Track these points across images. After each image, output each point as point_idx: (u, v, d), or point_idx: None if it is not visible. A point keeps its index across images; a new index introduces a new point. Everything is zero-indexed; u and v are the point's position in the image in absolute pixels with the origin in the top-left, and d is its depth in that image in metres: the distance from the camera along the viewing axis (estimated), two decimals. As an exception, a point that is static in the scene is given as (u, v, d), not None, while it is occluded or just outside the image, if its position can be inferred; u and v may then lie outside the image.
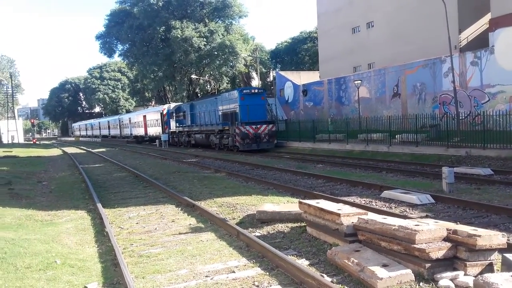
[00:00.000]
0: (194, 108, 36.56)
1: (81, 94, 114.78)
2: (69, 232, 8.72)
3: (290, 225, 8.17)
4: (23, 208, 11.33)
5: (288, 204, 9.46)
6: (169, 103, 55.18)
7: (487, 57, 24.76)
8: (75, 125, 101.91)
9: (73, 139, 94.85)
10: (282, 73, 49.81)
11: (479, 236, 5.11)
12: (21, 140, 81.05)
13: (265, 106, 28.62)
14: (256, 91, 29.29)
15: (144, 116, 51.53)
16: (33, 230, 8.86)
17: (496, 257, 5.36)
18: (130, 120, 58.51)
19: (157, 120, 46.58)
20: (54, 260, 6.72)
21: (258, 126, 27.20)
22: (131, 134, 58.36)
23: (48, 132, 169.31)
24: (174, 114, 40.83)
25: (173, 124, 41.53)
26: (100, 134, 76.90)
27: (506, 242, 5.37)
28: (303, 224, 7.88)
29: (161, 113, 44.68)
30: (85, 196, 13.33)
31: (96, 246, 7.73)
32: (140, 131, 53.74)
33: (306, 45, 71.53)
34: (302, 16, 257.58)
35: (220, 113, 30.43)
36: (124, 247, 7.42)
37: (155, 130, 47.38)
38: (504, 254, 5.18)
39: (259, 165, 19.57)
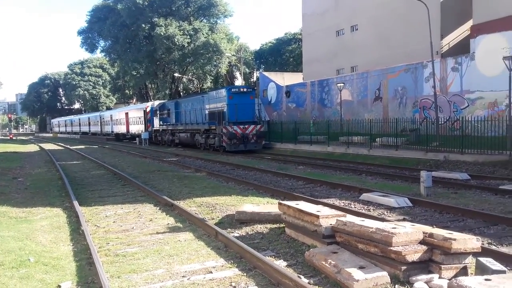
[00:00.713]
0: (179, 106, 35.60)
1: (60, 90, 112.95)
2: (44, 230, 8.56)
3: (269, 226, 8.16)
4: (-3, 204, 11.08)
5: (268, 205, 9.45)
6: (151, 100, 54.65)
7: (468, 63, 25.19)
8: (54, 121, 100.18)
9: (51, 135, 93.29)
10: (266, 73, 49.87)
11: (454, 239, 5.17)
12: (-2, 135, 79.43)
13: (253, 106, 27.85)
14: (245, 90, 28.37)
15: (127, 113, 50.47)
16: (7, 227, 8.67)
17: (470, 261, 5.43)
18: (111, 117, 57.31)
19: (140, 118, 45.59)
20: (27, 258, 6.59)
21: (246, 126, 26.36)
22: (112, 131, 57.17)
23: (26, 128, 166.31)
24: (158, 112, 39.76)
25: (156, 122, 40.48)
26: (80, 130, 75.43)
27: (481, 246, 5.45)
28: (282, 225, 7.87)
29: (144, 111, 43.60)
30: (62, 193, 13.10)
31: (71, 244, 7.60)
32: (121, 129, 52.68)
33: (290, 46, 71.85)
34: (287, 17, 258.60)
35: (206, 112, 29.61)
36: (100, 245, 7.30)
37: (137, 128, 46.47)
38: (478, 258, 5.25)
39: (240, 165, 19.53)
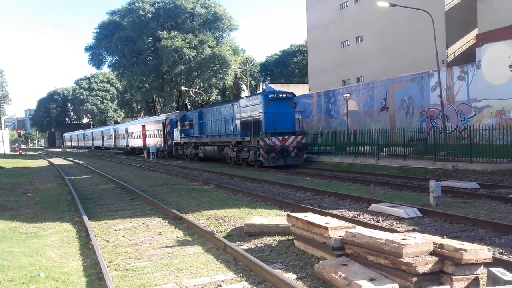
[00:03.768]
0: (204, 116, 32.35)
1: (69, 105, 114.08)
2: (53, 245, 8.59)
3: (278, 238, 8.14)
4: (7, 220, 11.15)
5: (276, 217, 9.43)
6: (158, 114, 54.70)
7: (474, 72, 25.15)
8: (66, 135, 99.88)
9: (60, 150, 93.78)
10: (272, 85, 50.09)
11: (465, 250, 5.13)
12: (7, 151, 79.99)
13: (293, 114, 24.55)
14: (284, 95, 24.55)
15: (143, 126, 47.56)
16: (17, 243, 8.72)
17: (482, 272, 5.38)
18: (126, 130, 54.88)
19: (158, 130, 42.57)
20: (37, 273, 6.61)
21: (286, 137, 23.19)
22: (127, 145, 54.41)
23: (35, 143, 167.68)
24: (178, 123, 36.68)
25: (177, 135, 37.34)
26: (92, 145, 73.63)
27: (492, 256, 5.40)
28: (291, 237, 7.85)
29: (164, 123, 40.56)
30: (71, 208, 13.16)
31: (81, 259, 7.62)
32: (137, 142, 50.22)
33: (295, 58, 72.21)
34: (292, 29, 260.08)
35: (238, 122, 26.35)
36: (109, 260, 7.32)
37: (155, 141, 43.55)
38: (490, 269, 5.20)
39: (247, 177, 19.53)
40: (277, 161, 23.04)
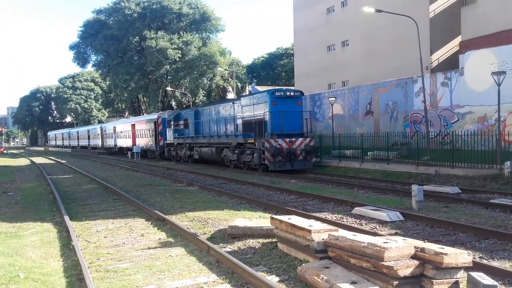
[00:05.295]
0: (200, 116, 30.28)
1: (52, 104, 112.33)
2: (34, 245, 8.47)
3: (261, 240, 8.13)
4: (-14, 219, 10.96)
5: (260, 220, 9.43)
6: (143, 114, 54.11)
7: (457, 78, 25.52)
8: (51, 133, 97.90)
9: (42, 148, 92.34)
10: (258, 88, 50.11)
11: (446, 254, 5.19)
12: (-12, 149, 78.63)
13: (301, 114, 22.84)
14: (291, 94, 22.55)
15: (133, 125, 45.30)
16: (-4, 243, 8.57)
17: (462, 275, 5.45)
18: (114, 130, 52.77)
19: (149, 130, 40.40)
20: (17, 274, 6.52)
21: (293, 139, 21.48)
22: (115, 145, 52.18)
23: (17, 142, 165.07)
24: (172, 123, 34.40)
25: (170, 135, 35.20)
26: (78, 144, 71.39)
27: (472, 261, 5.47)
28: (274, 240, 7.86)
29: (155, 122, 38.33)
30: (52, 208, 12.99)
31: (62, 260, 7.51)
32: (126, 142, 47.68)
33: (282, 61, 72.47)
34: (279, 32, 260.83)
35: (239, 122, 24.48)
36: (90, 261, 7.23)
37: (146, 141, 41.55)
38: (470, 273, 5.27)
39: (232, 179, 19.50)
40: (284, 165, 21.27)
